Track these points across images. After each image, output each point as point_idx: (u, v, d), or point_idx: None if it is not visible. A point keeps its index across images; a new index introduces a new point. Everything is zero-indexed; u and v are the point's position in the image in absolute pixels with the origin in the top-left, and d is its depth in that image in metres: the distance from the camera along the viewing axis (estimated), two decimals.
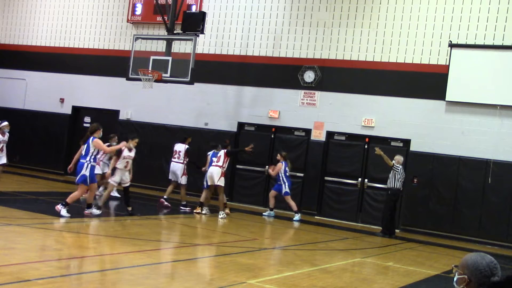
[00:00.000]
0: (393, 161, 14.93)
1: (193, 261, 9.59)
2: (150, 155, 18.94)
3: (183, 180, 15.46)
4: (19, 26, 22.59)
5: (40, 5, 22.19)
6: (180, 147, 15.59)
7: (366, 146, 17.03)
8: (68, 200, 11.76)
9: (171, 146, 16.01)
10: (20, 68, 22.07)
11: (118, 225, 12.71)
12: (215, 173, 14.64)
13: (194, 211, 14.96)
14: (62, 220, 11.47)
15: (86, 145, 11.96)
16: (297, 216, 16.08)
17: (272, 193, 16.40)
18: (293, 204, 16.10)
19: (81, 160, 11.93)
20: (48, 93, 21.46)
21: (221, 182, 14.67)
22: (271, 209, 16.38)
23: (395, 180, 14.83)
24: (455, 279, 3.39)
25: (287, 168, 16.17)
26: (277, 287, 7.89)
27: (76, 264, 8.11)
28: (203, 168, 15.50)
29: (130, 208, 13.29)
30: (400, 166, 14.92)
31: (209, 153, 15.40)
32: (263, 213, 16.47)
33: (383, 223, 15.21)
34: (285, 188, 16.09)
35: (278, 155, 16.37)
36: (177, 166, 15.49)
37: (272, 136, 18.19)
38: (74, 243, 9.70)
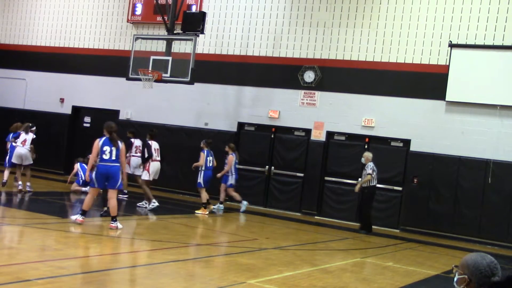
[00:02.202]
0: (362, 159, 14.93)
1: (193, 261, 9.58)
2: None
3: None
4: (19, 26, 22.59)
5: (40, 5, 22.19)
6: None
7: (366, 146, 17.02)
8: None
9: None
10: (20, 68, 22.06)
11: None
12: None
13: (201, 212, 14.88)
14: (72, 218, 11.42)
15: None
16: (244, 205, 16.29)
17: (223, 186, 16.42)
18: (236, 194, 16.37)
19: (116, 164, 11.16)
20: (48, 93, 21.46)
21: None
22: (221, 203, 16.43)
23: (370, 178, 14.74)
24: (455, 279, 3.39)
25: (236, 160, 16.38)
26: (277, 287, 7.89)
27: (76, 264, 8.11)
28: (195, 165, 15.27)
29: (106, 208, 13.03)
30: (371, 163, 14.83)
31: (203, 151, 15.12)
32: (213, 206, 15.84)
33: (363, 221, 15.22)
34: (231, 180, 16.26)
35: (227, 147, 16.41)
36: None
37: (272, 136, 18.18)
38: (74, 243, 9.70)
